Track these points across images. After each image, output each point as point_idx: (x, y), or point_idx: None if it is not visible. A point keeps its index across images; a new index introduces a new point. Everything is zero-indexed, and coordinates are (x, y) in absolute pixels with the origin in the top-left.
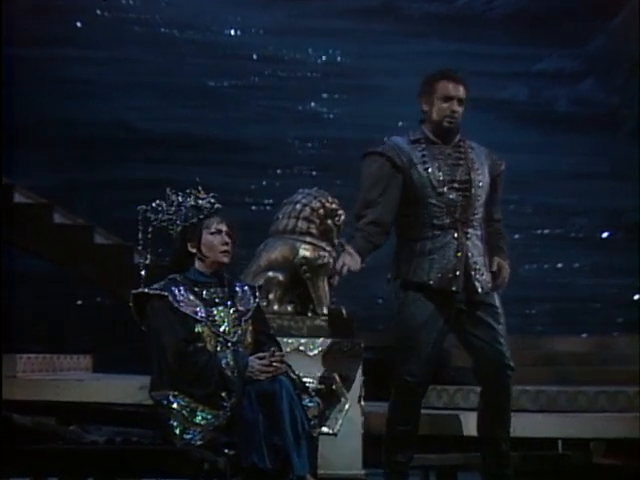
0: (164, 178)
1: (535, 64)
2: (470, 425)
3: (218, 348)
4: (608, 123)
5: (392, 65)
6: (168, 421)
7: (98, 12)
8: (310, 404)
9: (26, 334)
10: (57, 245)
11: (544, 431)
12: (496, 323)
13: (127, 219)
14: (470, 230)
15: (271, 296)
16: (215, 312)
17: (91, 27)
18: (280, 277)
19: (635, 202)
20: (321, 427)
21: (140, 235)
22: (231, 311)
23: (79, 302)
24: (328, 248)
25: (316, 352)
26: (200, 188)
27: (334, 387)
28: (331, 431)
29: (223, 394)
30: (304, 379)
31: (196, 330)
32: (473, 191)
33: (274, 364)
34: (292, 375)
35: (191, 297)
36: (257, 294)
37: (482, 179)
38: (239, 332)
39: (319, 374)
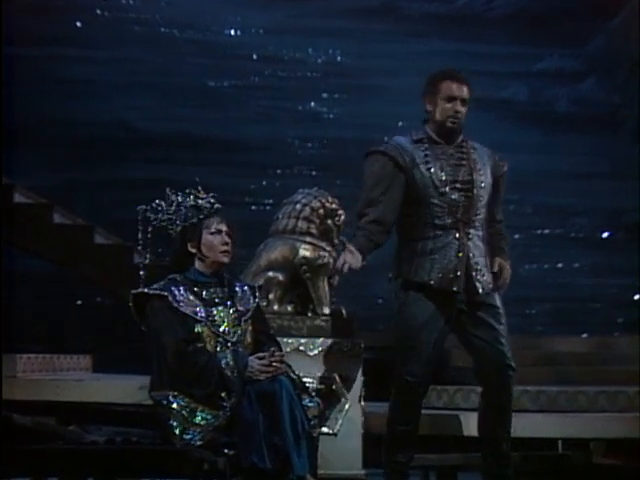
0: (164, 178)
1: (535, 64)
2: (470, 425)
3: (218, 348)
4: (608, 123)
5: (392, 65)
6: (168, 421)
7: (98, 12)
8: (310, 404)
9: (26, 334)
10: (57, 245)
11: (544, 431)
12: (497, 323)
13: (127, 219)
14: (472, 231)
15: (271, 296)
16: (215, 312)
17: (91, 27)
18: (280, 277)
19: (635, 202)
20: (321, 427)
21: (140, 235)
22: (231, 311)
23: (79, 302)
24: (328, 248)
25: (316, 352)
26: (200, 188)
27: (334, 387)
28: (331, 431)
29: (223, 394)
30: (304, 379)
31: (196, 330)
32: (475, 191)
33: (274, 364)
34: (292, 375)
35: (191, 297)
36: (257, 294)
37: (484, 180)
38: (239, 332)
39: (319, 374)
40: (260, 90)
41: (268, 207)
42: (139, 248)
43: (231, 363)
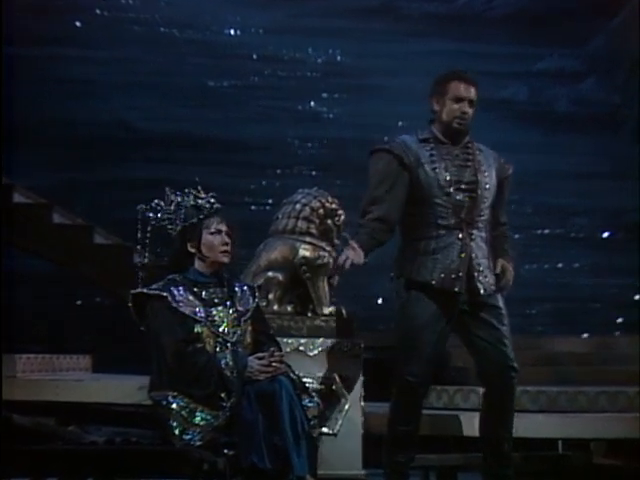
0: (164, 178)
1: (535, 64)
2: (470, 425)
3: (217, 348)
4: (608, 123)
5: (392, 65)
6: (167, 421)
7: (98, 12)
8: (310, 404)
9: (26, 334)
10: (57, 245)
11: (544, 431)
12: (500, 324)
13: (127, 219)
14: (475, 231)
15: (271, 296)
16: (214, 312)
17: (91, 27)
18: (280, 277)
19: (635, 202)
20: (321, 427)
21: (139, 235)
22: (230, 311)
23: (79, 302)
24: (328, 248)
25: (316, 352)
26: (200, 188)
27: (334, 387)
28: (331, 431)
29: (222, 394)
30: (304, 379)
31: (195, 330)
32: (479, 192)
33: (273, 364)
34: (292, 375)
35: (190, 297)
36: (256, 294)
37: (489, 181)
38: (238, 332)
39: (319, 374)
40: (260, 90)
41: (268, 207)
42: (138, 248)
43: (230, 363)
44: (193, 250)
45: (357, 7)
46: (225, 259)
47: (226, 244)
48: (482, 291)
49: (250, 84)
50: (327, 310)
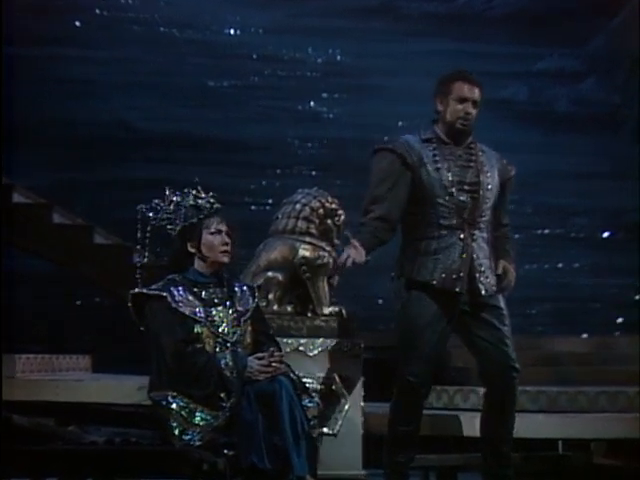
0: (164, 178)
1: (535, 63)
2: (470, 426)
3: (217, 349)
4: (608, 123)
5: (392, 64)
6: (167, 422)
7: (97, 11)
8: (309, 404)
9: (26, 334)
10: (57, 245)
11: (544, 432)
12: (501, 324)
13: (127, 219)
14: (476, 232)
15: (270, 296)
16: (214, 312)
17: (90, 26)
18: (280, 277)
19: (635, 202)
20: (321, 427)
21: (139, 234)
22: (230, 311)
23: (79, 302)
24: (328, 248)
25: (316, 352)
26: (199, 188)
27: (334, 387)
28: (331, 431)
29: (222, 395)
30: (304, 379)
31: (195, 330)
32: (481, 193)
33: (273, 364)
34: (292, 375)
35: (190, 297)
36: (256, 294)
37: (491, 182)
38: (238, 332)
39: (319, 374)
40: (260, 90)
41: (268, 207)
42: (138, 248)
43: (230, 363)
44: (193, 250)
45: (356, 7)
46: (225, 259)
47: (226, 244)
48: (483, 292)
49: (250, 84)
50: (327, 310)
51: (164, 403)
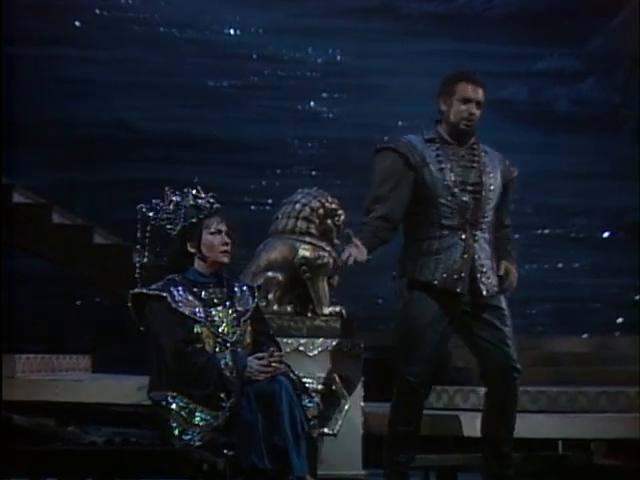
0: (164, 178)
1: (535, 63)
2: (470, 426)
3: (217, 349)
4: (608, 123)
5: (392, 64)
6: (167, 422)
7: (97, 11)
8: (309, 404)
9: (26, 334)
10: (56, 245)
11: (545, 432)
12: (502, 325)
13: (127, 219)
14: (478, 233)
15: (270, 296)
16: (214, 312)
17: (90, 26)
18: (279, 277)
19: (635, 202)
20: (321, 428)
21: (139, 234)
22: (230, 311)
23: (78, 302)
24: (328, 248)
25: (316, 352)
26: (199, 188)
27: (334, 388)
28: (331, 431)
29: (222, 395)
30: (304, 379)
31: (195, 331)
32: (484, 194)
33: (273, 364)
34: (292, 375)
35: (190, 297)
36: (256, 294)
37: (494, 183)
38: (238, 332)
39: (319, 374)
40: (260, 90)
41: (268, 207)
42: (138, 248)
43: (230, 363)
44: (193, 250)
45: (356, 7)
46: (225, 259)
47: (226, 244)
48: (485, 292)
49: (250, 84)
50: (327, 310)
51: (164, 403)
